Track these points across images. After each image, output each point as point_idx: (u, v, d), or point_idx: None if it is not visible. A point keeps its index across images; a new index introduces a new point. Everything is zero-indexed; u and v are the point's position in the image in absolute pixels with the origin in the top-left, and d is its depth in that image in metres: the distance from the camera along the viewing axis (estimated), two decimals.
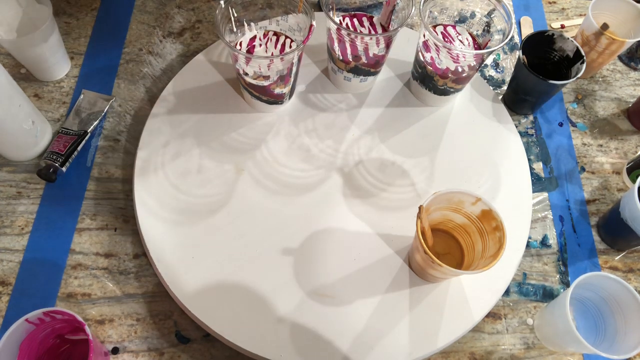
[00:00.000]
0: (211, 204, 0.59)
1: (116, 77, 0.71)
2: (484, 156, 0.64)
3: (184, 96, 0.66)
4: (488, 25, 0.62)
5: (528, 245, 0.61)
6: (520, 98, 0.68)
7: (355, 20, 0.64)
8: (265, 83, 0.59)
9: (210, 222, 0.58)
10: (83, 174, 0.63)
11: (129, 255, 0.58)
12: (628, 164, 0.66)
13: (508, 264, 0.57)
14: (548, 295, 0.59)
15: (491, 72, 0.74)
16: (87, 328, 0.44)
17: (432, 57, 0.60)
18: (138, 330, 0.54)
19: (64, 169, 0.61)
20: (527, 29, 0.79)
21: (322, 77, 0.69)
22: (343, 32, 0.57)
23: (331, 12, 0.63)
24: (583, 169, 0.67)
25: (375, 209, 0.60)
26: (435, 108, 0.68)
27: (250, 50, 0.62)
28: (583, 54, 0.63)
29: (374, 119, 0.66)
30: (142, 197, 0.59)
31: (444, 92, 0.64)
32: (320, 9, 0.58)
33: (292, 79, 0.61)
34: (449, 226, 0.56)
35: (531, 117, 0.71)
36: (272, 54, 0.62)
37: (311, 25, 0.56)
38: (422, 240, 0.47)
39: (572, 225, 0.63)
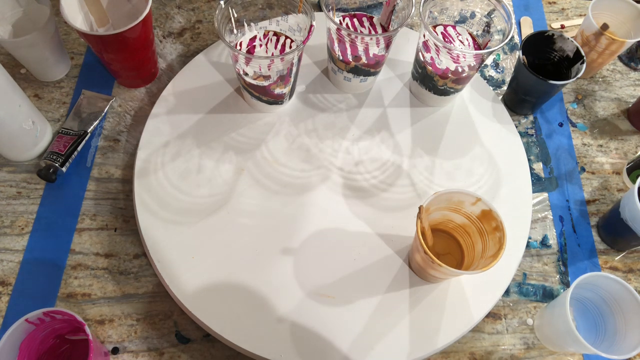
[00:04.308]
0: (211, 204, 0.59)
1: None
2: (484, 156, 0.64)
3: (184, 96, 0.66)
4: (488, 25, 0.62)
5: (528, 245, 0.61)
6: (520, 98, 0.68)
7: (355, 20, 0.64)
8: (265, 83, 0.59)
9: (211, 222, 0.58)
10: (83, 174, 0.63)
11: (129, 255, 0.58)
12: (628, 164, 0.66)
13: (508, 264, 0.57)
14: (548, 295, 0.59)
15: (491, 72, 0.74)
16: (87, 328, 0.44)
17: (432, 57, 0.60)
18: (138, 330, 0.54)
19: (64, 169, 0.61)
20: (527, 29, 0.79)
21: (322, 77, 0.69)
22: (343, 32, 0.57)
23: (331, 12, 0.63)
24: (583, 169, 0.67)
25: (375, 209, 0.60)
26: (435, 108, 0.68)
27: (250, 50, 0.62)
28: (583, 54, 0.63)
29: (374, 119, 0.66)
30: (142, 197, 0.59)
31: (444, 92, 0.64)
32: (320, 9, 0.58)
33: (292, 79, 0.61)
34: (449, 226, 0.56)
35: (531, 117, 0.71)
36: (272, 54, 0.62)
37: (311, 26, 0.56)
38: (422, 241, 0.47)
39: (572, 226, 0.63)
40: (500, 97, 0.72)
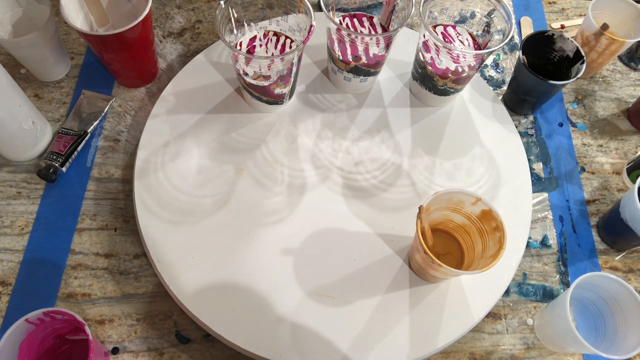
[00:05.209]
0: (211, 204, 0.59)
1: None
2: (484, 156, 0.64)
3: (184, 96, 0.66)
4: (488, 25, 0.62)
5: (528, 245, 0.61)
6: (520, 98, 0.68)
7: (355, 20, 0.64)
8: (265, 83, 0.59)
9: (210, 222, 0.58)
10: (83, 174, 0.63)
11: (129, 255, 0.58)
12: (628, 164, 0.66)
13: (508, 264, 0.57)
14: (548, 295, 0.59)
15: (491, 72, 0.74)
16: (87, 328, 0.44)
17: (432, 58, 0.60)
18: (138, 330, 0.54)
19: (64, 169, 0.61)
20: (527, 29, 0.79)
21: (322, 77, 0.69)
22: (343, 32, 0.57)
23: (331, 12, 0.63)
24: (583, 169, 0.67)
25: (375, 209, 0.60)
26: (435, 108, 0.68)
27: (250, 50, 0.62)
28: (583, 54, 0.63)
29: (374, 119, 0.66)
30: (142, 197, 0.59)
31: (444, 92, 0.64)
32: (320, 9, 0.58)
33: (292, 79, 0.61)
34: (449, 226, 0.56)
35: (531, 117, 0.71)
36: (272, 54, 0.62)
37: (311, 26, 0.56)
38: (422, 241, 0.47)
39: (572, 226, 0.63)
40: (500, 97, 0.72)
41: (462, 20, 0.64)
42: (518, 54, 0.64)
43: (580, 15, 0.82)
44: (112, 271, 0.57)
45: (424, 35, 0.59)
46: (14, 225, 0.59)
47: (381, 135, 0.65)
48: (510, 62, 0.76)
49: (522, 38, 0.74)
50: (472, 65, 0.59)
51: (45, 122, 0.64)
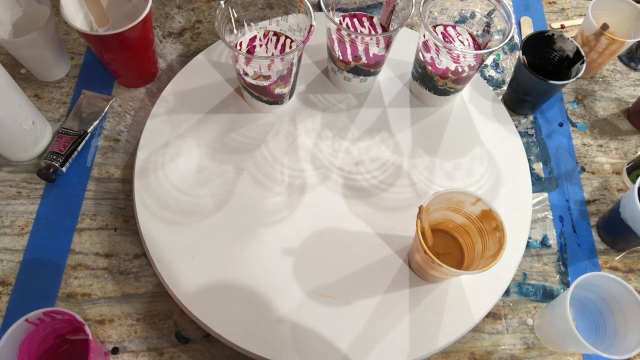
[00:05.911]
0: (211, 204, 0.59)
1: None
2: (484, 156, 0.64)
3: (184, 96, 0.66)
4: (488, 25, 0.62)
5: (528, 245, 0.61)
6: (520, 98, 0.68)
7: (355, 20, 0.64)
8: (265, 83, 0.59)
9: (210, 222, 0.58)
10: (83, 174, 0.63)
11: (129, 255, 0.58)
12: (628, 164, 0.66)
13: (508, 264, 0.57)
14: (548, 295, 0.59)
15: (491, 72, 0.74)
16: (87, 328, 0.44)
17: (432, 57, 0.60)
18: (138, 330, 0.54)
19: (64, 169, 0.61)
20: (527, 29, 0.79)
21: (322, 77, 0.70)
22: (343, 32, 0.57)
23: (331, 12, 0.63)
24: (583, 169, 0.67)
25: (375, 209, 0.60)
26: (435, 108, 0.68)
27: (250, 50, 0.62)
28: (583, 54, 0.63)
29: (374, 119, 0.66)
30: (142, 197, 0.59)
31: (444, 92, 0.64)
32: (320, 9, 0.58)
33: (292, 79, 0.61)
34: (449, 226, 0.56)
35: (531, 117, 0.71)
36: (272, 54, 0.62)
37: (311, 26, 0.56)
38: (422, 240, 0.47)
39: (572, 226, 0.63)
40: (500, 97, 0.72)
41: (462, 20, 0.64)
42: (518, 54, 0.64)
43: (580, 15, 0.82)
44: (112, 271, 0.57)
45: (424, 35, 0.59)
46: (14, 225, 0.59)
47: (381, 135, 0.65)
48: (510, 62, 0.76)
49: (522, 38, 0.74)
50: (472, 65, 0.59)
51: (45, 122, 0.64)
